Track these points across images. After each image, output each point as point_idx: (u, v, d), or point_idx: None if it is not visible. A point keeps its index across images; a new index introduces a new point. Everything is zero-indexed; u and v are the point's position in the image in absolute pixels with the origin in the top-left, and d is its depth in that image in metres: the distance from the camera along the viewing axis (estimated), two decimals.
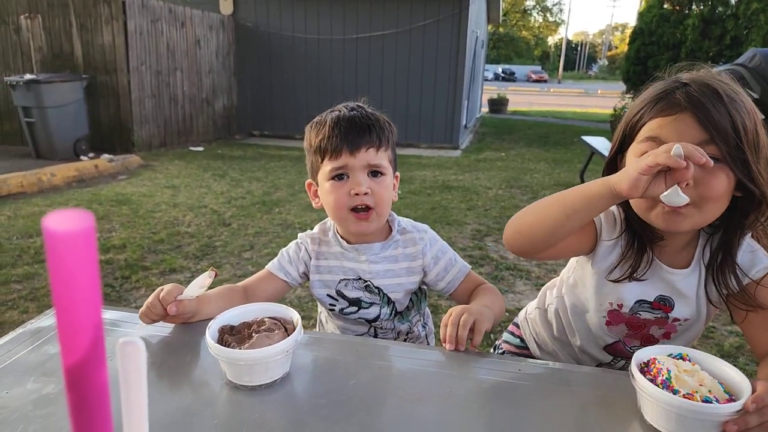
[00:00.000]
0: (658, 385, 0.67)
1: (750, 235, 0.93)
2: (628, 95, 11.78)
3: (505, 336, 1.32)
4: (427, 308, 1.30)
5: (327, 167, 1.09)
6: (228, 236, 3.85)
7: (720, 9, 10.46)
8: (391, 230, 1.19)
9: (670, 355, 0.74)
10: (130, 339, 0.29)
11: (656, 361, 0.71)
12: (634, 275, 0.94)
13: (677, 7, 11.00)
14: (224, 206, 4.64)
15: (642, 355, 0.73)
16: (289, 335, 0.80)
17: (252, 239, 3.80)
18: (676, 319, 0.98)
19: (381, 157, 1.09)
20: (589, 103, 20.61)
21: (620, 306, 0.99)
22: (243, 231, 3.98)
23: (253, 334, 0.81)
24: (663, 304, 0.97)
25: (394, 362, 0.88)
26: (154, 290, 0.94)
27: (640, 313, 0.98)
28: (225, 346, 0.79)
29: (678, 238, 0.94)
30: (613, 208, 0.96)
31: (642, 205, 0.88)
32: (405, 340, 1.23)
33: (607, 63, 68.21)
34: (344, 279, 1.16)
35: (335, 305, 1.18)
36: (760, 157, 0.82)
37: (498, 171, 6.70)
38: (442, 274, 1.17)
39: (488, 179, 6.13)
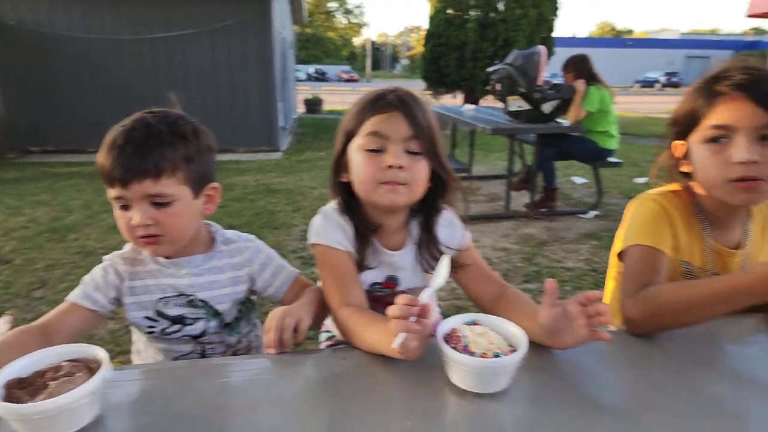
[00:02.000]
0: (459, 351, 0.77)
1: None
2: (429, 92, 12.94)
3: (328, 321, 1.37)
4: (258, 320, 1.28)
5: (110, 193, 1.00)
6: (10, 275, 3.24)
7: (492, 14, 12.06)
8: (213, 241, 1.14)
9: (466, 323, 0.85)
10: None
11: (456, 331, 0.82)
12: (365, 264, 1.09)
13: (459, 12, 12.38)
14: (1, 240, 3.89)
15: (445, 327, 0.84)
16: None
17: (43, 275, 3.26)
18: (402, 292, 1.11)
19: (164, 185, 0.98)
20: None
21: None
22: (30, 266, 3.39)
23: (49, 383, 0.71)
24: (391, 282, 1.14)
25: (219, 378, 0.85)
26: None
27: (376, 292, 1.13)
28: (15, 402, 0.67)
29: (393, 222, 1.11)
30: (339, 219, 1.09)
31: (367, 187, 1.02)
32: (235, 354, 1.19)
33: (408, 62, 73.93)
34: (164, 297, 1.08)
35: (155, 327, 1.09)
36: (443, 153, 1.05)
37: (320, 170, 6.81)
38: (270, 281, 1.17)
39: (311, 179, 6.21)
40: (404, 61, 77.83)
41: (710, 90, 1.04)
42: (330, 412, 0.76)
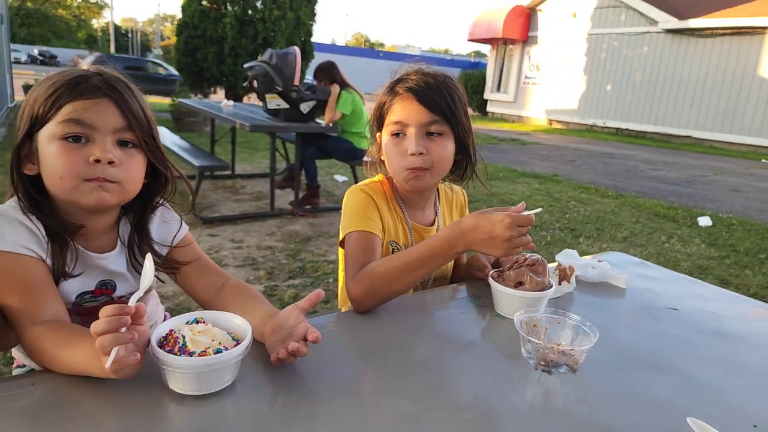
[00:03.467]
0: (176, 353, 0.71)
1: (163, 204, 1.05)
2: (186, 86, 12.08)
3: (18, 353, 1.13)
4: None
5: None
6: None
7: (250, 12, 11.88)
8: None
9: (187, 322, 0.79)
10: None
11: (174, 332, 0.75)
12: (66, 271, 0.92)
13: (214, 6, 11.82)
14: None
15: (161, 330, 0.76)
16: None
17: None
18: (121, 297, 1.01)
19: None
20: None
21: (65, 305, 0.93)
22: None
23: None
24: (105, 288, 0.99)
25: None
26: None
27: (85, 304, 0.97)
28: None
29: (97, 223, 0.96)
30: (22, 218, 0.88)
31: (66, 185, 0.86)
32: None
33: (162, 53, 67.74)
34: None
35: None
36: (161, 145, 0.96)
37: None
38: None
39: None
40: (157, 51, 71.14)
41: (392, 90, 1.22)
42: None
